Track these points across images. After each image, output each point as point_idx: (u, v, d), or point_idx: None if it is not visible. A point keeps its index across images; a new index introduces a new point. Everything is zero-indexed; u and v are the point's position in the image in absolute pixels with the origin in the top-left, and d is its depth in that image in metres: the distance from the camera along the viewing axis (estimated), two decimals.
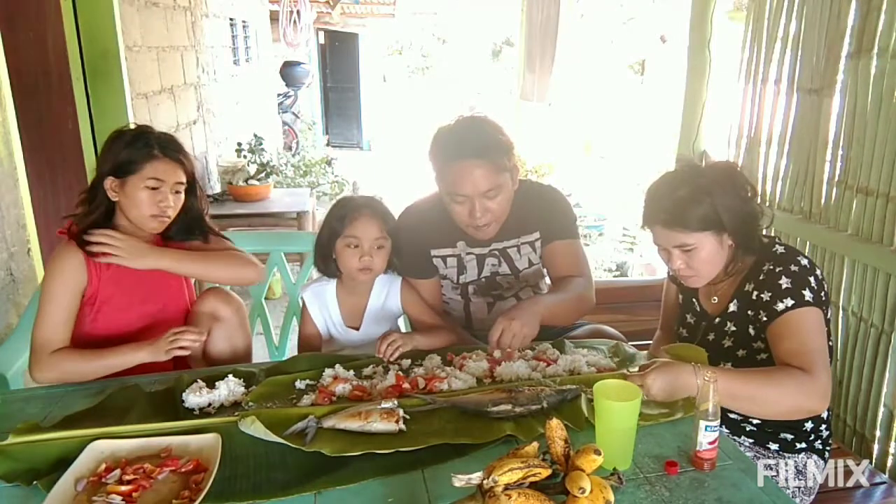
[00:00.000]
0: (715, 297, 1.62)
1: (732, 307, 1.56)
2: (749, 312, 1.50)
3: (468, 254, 1.90)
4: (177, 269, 1.70)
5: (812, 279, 1.43)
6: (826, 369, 1.34)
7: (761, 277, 1.47)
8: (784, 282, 1.42)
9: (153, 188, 1.61)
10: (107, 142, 1.67)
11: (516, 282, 1.95)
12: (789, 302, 1.40)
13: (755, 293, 1.48)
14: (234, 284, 1.87)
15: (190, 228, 1.76)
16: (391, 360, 1.59)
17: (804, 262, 1.46)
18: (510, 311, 1.63)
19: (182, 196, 1.69)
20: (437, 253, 1.90)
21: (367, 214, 1.72)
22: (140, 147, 1.62)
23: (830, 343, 1.55)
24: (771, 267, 1.46)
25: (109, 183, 1.62)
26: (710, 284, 1.58)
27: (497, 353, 1.58)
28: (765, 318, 1.45)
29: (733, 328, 1.56)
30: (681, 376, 1.27)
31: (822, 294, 1.45)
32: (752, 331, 1.51)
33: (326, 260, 1.78)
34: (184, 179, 1.68)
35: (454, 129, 1.77)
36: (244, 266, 1.78)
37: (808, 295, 1.40)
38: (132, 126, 1.69)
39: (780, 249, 1.51)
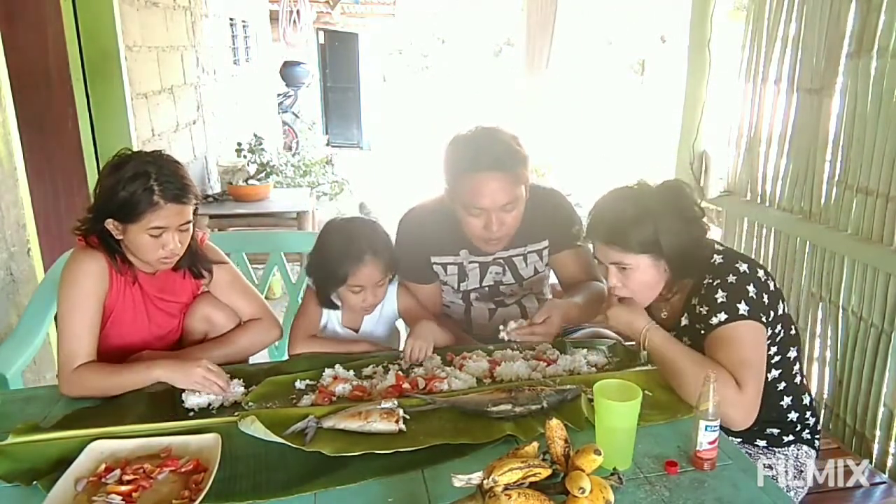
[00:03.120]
0: (664, 313, 1.60)
1: (684, 321, 1.55)
2: (696, 326, 1.49)
3: (471, 262, 1.87)
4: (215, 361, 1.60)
5: (751, 287, 1.41)
6: (756, 384, 1.35)
7: (703, 291, 1.46)
8: (720, 296, 1.41)
9: (156, 236, 1.50)
10: (105, 169, 1.52)
11: (520, 289, 1.93)
12: (723, 316, 1.40)
13: (697, 308, 1.48)
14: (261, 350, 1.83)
15: (193, 262, 1.67)
16: (421, 362, 1.59)
17: (742, 268, 1.44)
18: (555, 301, 1.74)
19: (190, 231, 1.58)
20: (438, 260, 1.88)
21: (370, 263, 1.65)
22: (139, 191, 1.46)
23: (787, 355, 1.53)
24: (710, 280, 1.45)
25: (111, 223, 1.51)
26: (656, 301, 1.56)
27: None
28: (703, 332, 1.44)
29: (689, 342, 1.52)
30: (636, 312, 1.48)
31: (765, 299, 1.42)
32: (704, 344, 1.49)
33: (325, 299, 1.75)
34: (190, 217, 1.55)
35: (471, 139, 1.70)
36: (266, 333, 1.75)
37: (742, 308, 1.39)
38: (129, 154, 1.54)
39: (719, 259, 1.48)
